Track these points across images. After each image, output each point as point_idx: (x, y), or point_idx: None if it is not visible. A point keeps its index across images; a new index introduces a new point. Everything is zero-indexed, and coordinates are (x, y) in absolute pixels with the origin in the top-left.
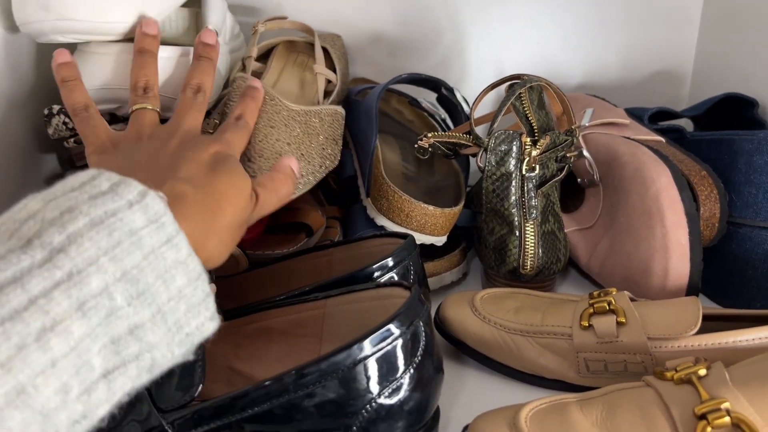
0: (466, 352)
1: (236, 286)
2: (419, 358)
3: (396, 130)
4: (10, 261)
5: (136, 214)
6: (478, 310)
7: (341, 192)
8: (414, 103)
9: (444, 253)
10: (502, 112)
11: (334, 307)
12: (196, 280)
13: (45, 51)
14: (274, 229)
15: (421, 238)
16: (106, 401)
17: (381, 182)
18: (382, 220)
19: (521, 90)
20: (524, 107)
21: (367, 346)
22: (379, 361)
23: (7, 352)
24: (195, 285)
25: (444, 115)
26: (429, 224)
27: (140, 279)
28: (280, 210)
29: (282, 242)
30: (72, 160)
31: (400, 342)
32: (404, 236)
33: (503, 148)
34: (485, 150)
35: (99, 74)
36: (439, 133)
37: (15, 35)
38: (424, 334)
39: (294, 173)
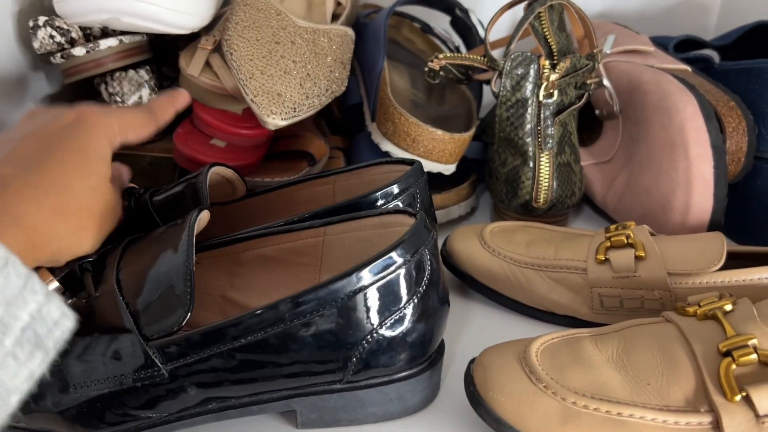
0: (473, 286)
1: (232, 213)
2: (424, 287)
3: (406, 59)
4: None
5: None
6: (488, 243)
7: (345, 121)
8: (426, 29)
9: (452, 185)
10: (520, 32)
11: (334, 235)
12: (3, 267)
13: None
14: (275, 157)
15: (428, 166)
16: None
17: (387, 104)
18: (387, 145)
19: (541, 9)
20: (543, 28)
21: (368, 274)
22: (380, 290)
23: None
24: (5, 274)
25: (458, 42)
26: (437, 150)
27: None
28: (281, 136)
29: (283, 170)
30: None
31: (403, 270)
32: (411, 162)
33: (520, 71)
34: (500, 74)
35: None
36: (452, 54)
37: None
38: (429, 263)
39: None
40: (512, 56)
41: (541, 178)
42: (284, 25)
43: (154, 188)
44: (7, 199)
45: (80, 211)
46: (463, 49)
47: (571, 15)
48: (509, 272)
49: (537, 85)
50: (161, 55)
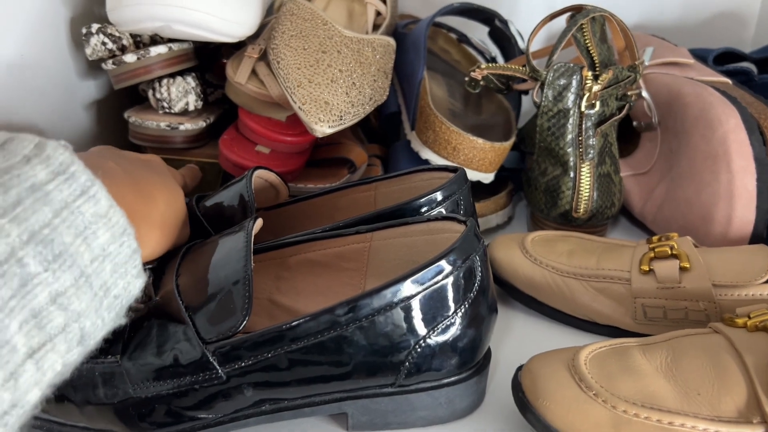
0: (514, 294)
1: (276, 218)
2: (474, 294)
3: (443, 69)
4: None
5: (36, 168)
6: (529, 252)
7: (383, 129)
8: (463, 39)
9: (490, 194)
10: (563, 44)
11: (380, 240)
12: (121, 235)
13: None
14: (316, 164)
15: (467, 174)
16: (35, 384)
17: (428, 113)
18: (427, 153)
19: (583, 21)
20: (586, 39)
21: (421, 280)
22: (432, 296)
23: None
24: (120, 241)
25: (495, 53)
26: (477, 159)
27: (54, 239)
28: (321, 144)
29: (324, 177)
30: None
31: (455, 277)
32: (454, 170)
33: (562, 82)
34: (542, 84)
35: None
36: (494, 64)
37: None
38: (480, 270)
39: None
40: (555, 67)
41: (581, 189)
42: (330, 34)
43: (199, 194)
44: (113, 187)
45: (156, 223)
46: (500, 59)
47: (612, 27)
48: (551, 281)
49: (579, 96)
50: (205, 62)
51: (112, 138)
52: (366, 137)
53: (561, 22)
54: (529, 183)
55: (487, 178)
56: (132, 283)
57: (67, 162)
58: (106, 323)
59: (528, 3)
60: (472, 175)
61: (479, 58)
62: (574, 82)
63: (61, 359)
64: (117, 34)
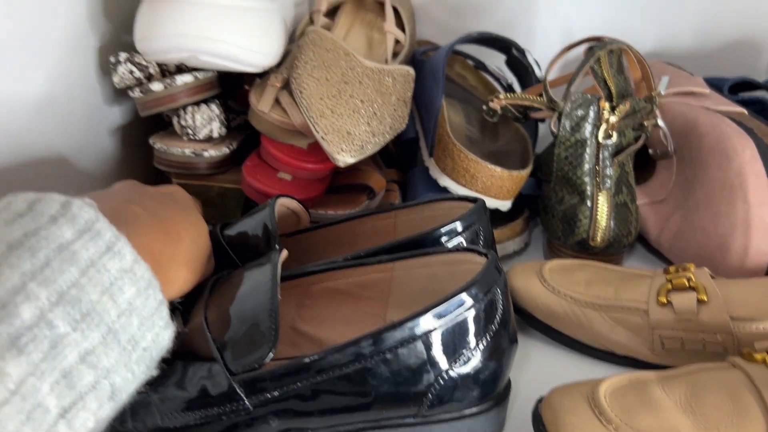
0: (532, 323)
1: (297, 244)
2: (495, 326)
3: (459, 95)
4: None
5: (62, 228)
6: (547, 281)
7: (400, 154)
8: (480, 66)
9: (507, 220)
10: (580, 75)
11: (402, 270)
12: (146, 288)
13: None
14: (335, 190)
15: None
16: None
17: (446, 141)
18: (445, 181)
19: (601, 53)
20: (603, 71)
21: (444, 313)
22: (455, 329)
23: None
24: (146, 294)
25: (511, 80)
26: (495, 187)
27: (82, 298)
28: (340, 170)
29: (343, 203)
30: None
31: (477, 310)
32: (473, 200)
33: (580, 112)
34: (560, 114)
35: (169, 21)
36: (512, 94)
37: None
38: (501, 302)
39: None
40: (572, 98)
41: (598, 218)
42: (352, 65)
43: (223, 222)
44: (137, 233)
45: (183, 260)
46: (516, 86)
47: (629, 58)
48: (570, 311)
49: (596, 126)
50: (228, 88)
51: (137, 163)
52: (384, 162)
53: (577, 49)
54: (546, 210)
55: (505, 205)
56: (161, 335)
57: (92, 219)
58: (137, 376)
59: (545, 30)
60: (490, 202)
61: (495, 84)
62: (591, 113)
63: (93, 416)
64: (144, 63)
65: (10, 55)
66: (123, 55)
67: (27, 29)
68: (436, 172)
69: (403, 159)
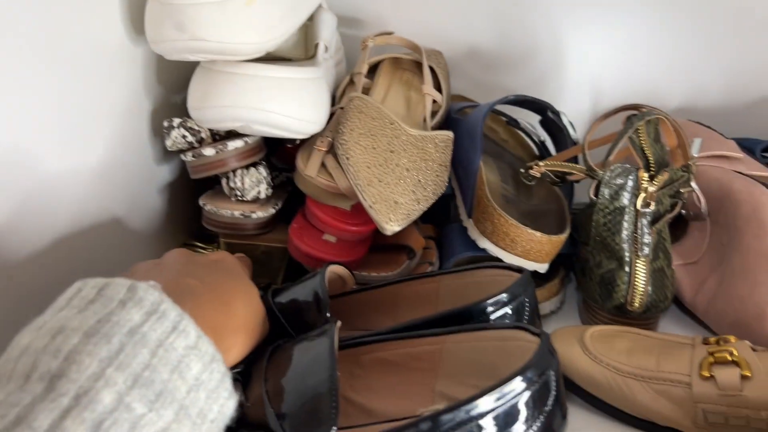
0: (573, 390)
1: (340, 307)
2: (549, 407)
3: (491, 150)
4: (11, 403)
5: (131, 312)
6: (589, 349)
7: (435, 211)
8: (512, 123)
9: (544, 280)
10: (619, 145)
11: (452, 343)
12: (210, 362)
13: (167, 64)
14: (375, 248)
15: (524, 265)
16: None
17: (486, 205)
18: (484, 243)
19: (639, 123)
20: (641, 140)
21: (500, 395)
22: (510, 411)
23: None
24: (211, 368)
25: (543, 137)
26: (534, 251)
27: (154, 379)
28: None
29: (384, 264)
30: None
31: (532, 392)
32: (518, 270)
33: (619, 181)
34: (599, 182)
35: (223, 93)
36: (551, 162)
37: (138, 47)
38: (554, 384)
39: None
40: (612, 167)
41: (636, 283)
42: (397, 134)
43: (274, 287)
44: (195, 305)
45: (239, 329)
46: (549, 144)
47: (664, 126)
48: (611, 380)
49: (635, 195)
50: (269, 147)
51: (182, 221)
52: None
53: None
54: (583, 272)
55: (543, 268)
56: (225, 405)
57: (157, 301)
58: None
59: (574, 86)
60: (529, 265)
61: (526, 139)
62: (630, 182)
63: None
64: (196, 128)
65: (75, 123)
66: (176, 120)
67: (88, 98)
68: (475, 234)
69: (435, 213)
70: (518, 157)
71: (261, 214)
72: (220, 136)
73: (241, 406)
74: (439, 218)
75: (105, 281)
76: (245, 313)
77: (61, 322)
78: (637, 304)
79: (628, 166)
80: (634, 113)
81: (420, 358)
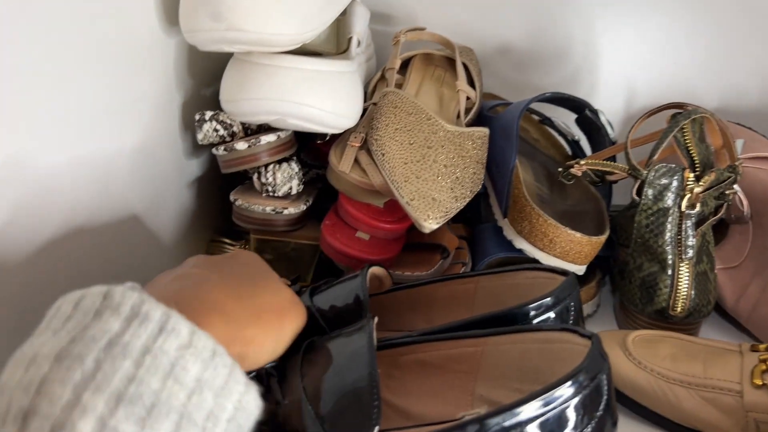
0: (617, 397)
1: (374, 306)
2: (600, 413)
3: (524, 149)
4: None
5: (108, 322)
6: (632, 353)
7: (465, 210)
8: (546, 122)
9: (581, 283)
10: (664, 144)
11: (494, 345)
12: (212, 358)
13: (198, 56)
14: (407, 248)
15: (561, 266)
16: None
17: (523, 204)
18: (521, 243)
19: (684, 122)
20: (686, 140)
21: (551, 400)
22: (561, 415)
23: None
24: (213, 364)
25: (577, 136)
26: (573, 252)
27: (143, 392)
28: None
29: (418, 263)
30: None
31: (583, 397)
32: (562, 272)
33: (663, 182)
34: (643, 182)
35: (259, 85)
36: (593, 160)
37: (170, 38)
38: (606, 389)
39: None
40: (656, 167)
41: (679, 287)
42: (435, 129)
43: (312, 286)
44: (204, 290)
45: (269, 315)
46: (584, 143)
47: (710, 126)
48: (656, 387)
49: (680, 196)
50: (299, 143)
51: (211, 217)
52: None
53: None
54: (622, 276)
55: (581, 270)
56: (244, 399)
57: (137, 303)
58: None
59: (607, 85)
60: (566, 267)
61: (559, 138)
62: (675, 183)
63: None
64: (228, 121)
65: (106, 115)
66: (208, 113)
67: (119, 89)
68: (511, 234)
69: (465, 213)
70: (550, 156)
71: (292, 210)
72: (251, 131)
73: (277, 404)
74: (470, 218)
75: (82, 293)
76: (267, 301)
77: (34, 349)
78: (679, 309)
79: (673, 165)
80: (678, 111)
81: (459, 361)
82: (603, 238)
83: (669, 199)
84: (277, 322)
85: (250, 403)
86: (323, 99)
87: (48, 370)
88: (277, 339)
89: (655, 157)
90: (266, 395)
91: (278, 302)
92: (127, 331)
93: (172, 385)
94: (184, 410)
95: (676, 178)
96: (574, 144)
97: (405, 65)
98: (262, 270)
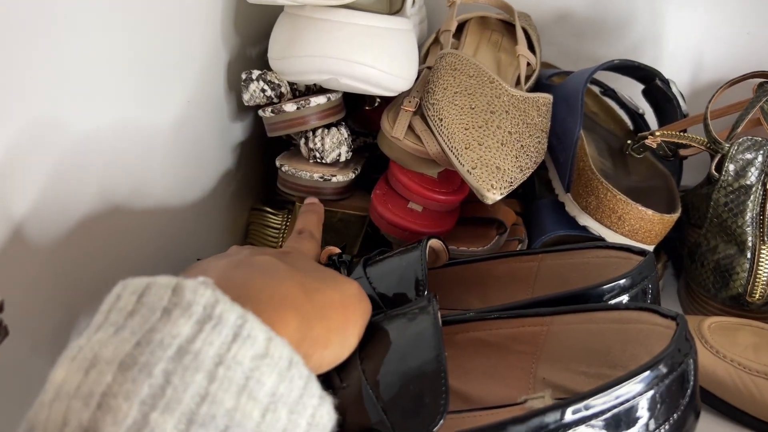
0: None
1: (432, 280)
2: (685, 401)
3: (583, 122)
4: None
5: (178, 324)
6: (709, 342)
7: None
8: (609, 93)
9: None
10: (749, 116)
11: (561, 325)
12: (288, 369)
13: (246, 12)
14: (461, 222)
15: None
16: None
17: (590, 177)
18: (586, 220)
19: None
20: None
21: (637, 385)
22: (644, 404)
23: None
24: (289, 376)
25: (642, 110)
26: (643, 230)
27: (216, 412)
28: (467, 201)
29: (473, 238)
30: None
31: (669, 383)
32: (639, 251)
33: (747, 156)
34: (723, 156)
35: (311, 41)
36: (668, 132)
37: None
38: (692, 375)
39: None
40: (740, 140)
41: (759, 272)
42: (498, 93)
43: (365, 256)
44: (276, 281)
45: (333, 312)
46: (651, 117)
47: None
48: (737, 379)
49: (764, 173)
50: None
51: (253, 184)
52: None
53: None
54: (692, 258)
55: (648, 250)
56: (317, 413)
57: (210, 303)
58: None
59: (673, 57)
60: (635, 246)
61: (621, 112)
62: (760, 158)
63: None
64: (276, 81)
65: (151, 76)
66: (255, 73)
67: (168, 48)
68: (574, 210)
69: (523, 189)
70: (610, 130)
71: (341, 178)
72: (300, 92)
73: (333, 390)
74: (523, 194)
75: (146, 282)
76: (330, 296)
77: (94, 349)
78: (757, 296)
79: (759, 139)
80: (766, 81)
81: (521, 340)
82: (675, 216)
83: (752, 176)
84: (342, 321)
85: (324, 418)
86: (380, 58)
87: (111, 380)
88: (342, 340)
89: (739, 129)
90: (325, 380)
91: (342, 298)
92: (198, 336)
93: (246, 403)
94: (257, 429)
95: (761, 152)
96: (639, 117)
97: (459, 30)
98: (318, 266)
